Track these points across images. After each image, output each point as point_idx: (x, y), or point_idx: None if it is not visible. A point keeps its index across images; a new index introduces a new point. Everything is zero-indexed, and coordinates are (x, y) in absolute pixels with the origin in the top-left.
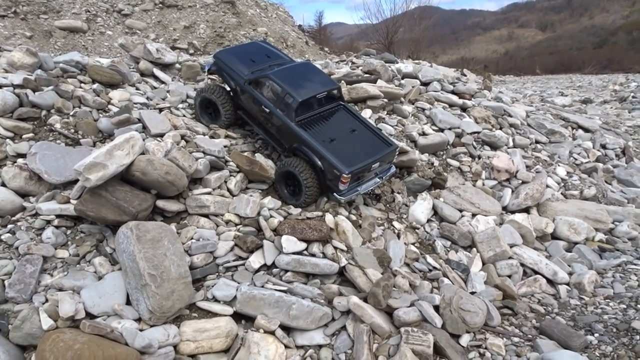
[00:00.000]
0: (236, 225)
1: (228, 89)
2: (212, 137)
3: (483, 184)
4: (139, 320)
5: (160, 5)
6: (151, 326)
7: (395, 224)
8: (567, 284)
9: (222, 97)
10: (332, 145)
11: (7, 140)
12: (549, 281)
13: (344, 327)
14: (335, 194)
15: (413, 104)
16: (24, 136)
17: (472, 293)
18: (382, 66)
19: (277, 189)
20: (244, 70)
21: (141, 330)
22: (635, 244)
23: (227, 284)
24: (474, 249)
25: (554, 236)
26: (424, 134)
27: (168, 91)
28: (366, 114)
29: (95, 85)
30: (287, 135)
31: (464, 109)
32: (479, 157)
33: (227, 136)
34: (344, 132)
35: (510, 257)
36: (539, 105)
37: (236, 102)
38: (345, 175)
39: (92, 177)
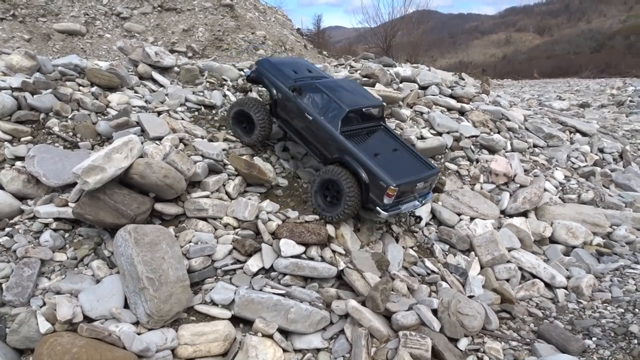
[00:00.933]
0: (234, 228)
1: (263, 100)
2: (210, 140)
3: (481, 188)
4: (136, 323)
5: (159, 8)
6: (149, 330)
7: (394, 227)
8: (565, 288)
9: (258, 110)
10: (377, 159)
11: (5, 143)
12: (547, 285)
13: (342, 331)
14: (377, 208)
15: (411, 107)
16: (22, 139)
17: (471, 297)
18: (381, 70)
19: (312, 199)
20: (287, 79)
21: (139, 333)
22: (633, 248)
23: (225, 287)
24: (472, 253)
25: (552, 240)
26: (422, 137)
27: (167, 94)
28: None
29: (93, 89)
30: (331, 144)
31: (462, 112)
32: (477, 160)
33: (225, 139)
34: (386, 150)
35: (508, 261)
36: (537, 109)
37: (275, 112)
38: (392, 188)
39: (90, 180)
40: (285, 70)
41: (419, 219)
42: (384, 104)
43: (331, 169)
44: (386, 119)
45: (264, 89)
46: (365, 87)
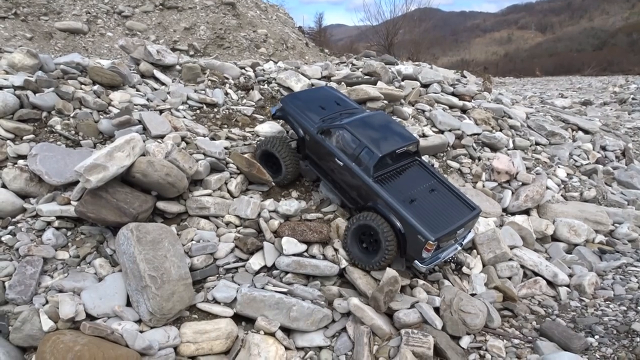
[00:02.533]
0: (236, 226)
1: (290, 141)
2: (212, 138)
3: (483, 186)
4: (139, 321)
5: (161, 6)
6: (151, 328)
7: None
8: (568, 286)
9: (284, 151)
10: (413, 207)
11: (8, 141)
12: (549, 283)
13: (344, 329)
14: (416, 261)
15: (413, 105)
16: (24, 137)
17: (473, 295)
18: (382, 68)
19: (347, 247)
20: (315, 118)
21: (141, 331)
22: (635, 246)
23: (228, 285)
24: (474, 251)
25: (554, 238)
26: (424, 135)
27: (168, 93)
28: None
29: (95, 87)
30: (363, 192)
31: (464, 110)
32: (479, 158)
33: (227, 137)
34: (423, 192)
35: (510, 259)
36: (539, 107)
37: (303, 152)
38: (431, 242)
39: (92, 178)
40: (312, 107)
41: (459, 265)
42: (419, 139)
43: (367, 214)
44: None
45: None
46: (397, 121)
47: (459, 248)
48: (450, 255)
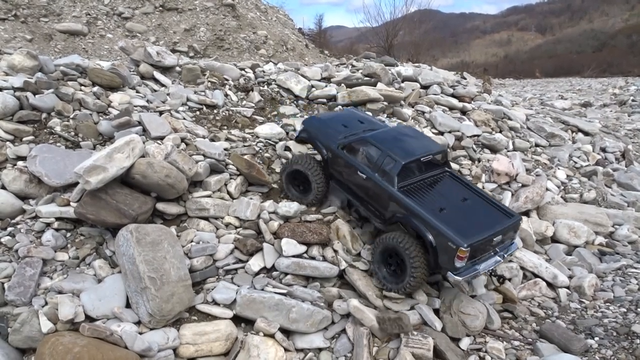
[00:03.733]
0: (236, 228)
1: (319, 158)
2: (212, 140)
3: (483, 187)
4: (138, 323)
5: (161, 8)
6: (151, 329)
7: None
8: (567, 288)
9: (314, 168)
10: (443, 215)
11: (8, 143)
12: (549, 284)
13: (343, 330)
14: (450, 272)
15: (413, 107)
16: (24, 139)
17: (473, 296)
18: (382, 69)
19: (374, 270)
20: (337, 135)
21: (141, 333)
22: (635, 248)
23: (227, 287)
24: None
25: (554, 239)
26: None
27: (168, 94)
28: None
29: (95, 88)
30: (389, 203)
31: (463, 112)
32: (479, 160)
33: (227, 139)
34: (454, 201)
35: (510, 261)
36: (539, 108)
37: (328, 172)
38: (463, 249)
39: (92, 179)
40: (334, 126)
41: (501, 279)
42: (448, 147)
43: (391, 235)
44: (384, 116)
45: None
46: (423, 133)
47: (500, 260)
48: (490, 268)
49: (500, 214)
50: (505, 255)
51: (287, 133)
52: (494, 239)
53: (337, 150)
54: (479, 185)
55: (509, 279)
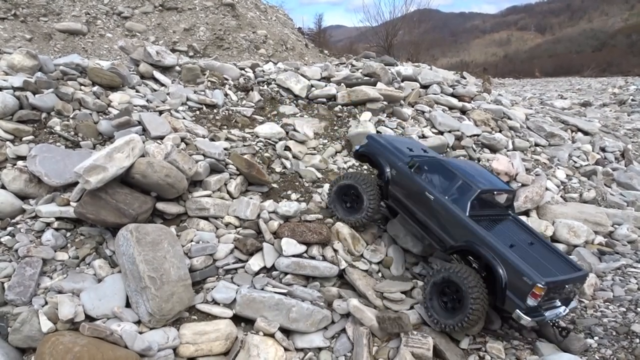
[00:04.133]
0: (236, 227)
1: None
2: (212, 139)
3: None
4: (138, 322)
5: (160, 7)
6: (151, 329)
7: None
8: None
9: (369, 185)
10: (514, 250)
11: (7, 142)
12: None
13: (343, 330)
14: (517, 310)
15: (413, 106)
16: (24, 139)
17: None
18: (382, 69)
19: (426, 303)
20: (403, 155)
21: (141, 332)
22: (634, 247)
23: (227, 286)
24: None
25: (554, 239)
26: (423, 136)
27: (168, 94)
28: (366, 116)
29: (95, 88)
30: (456, 229)
31: (463, 111)
32: (479, 159)
33: (227, 139)
34: (521, 242)
35: None
36: (539, 108)
37: (386, 192)
38: (540, 287)
39: (92, 179)
40: (400, 146)
41: (566, 331)
42: (515, 190)
43: (450, 267)
44: (383, 115)
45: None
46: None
47: (566, 311)
48: (555, 317)
49: (568, 265)
50: (567, 309)
51: (287, 132)
52: (566, 286)
53: (404, 167)
54: None
55: (569, 330)
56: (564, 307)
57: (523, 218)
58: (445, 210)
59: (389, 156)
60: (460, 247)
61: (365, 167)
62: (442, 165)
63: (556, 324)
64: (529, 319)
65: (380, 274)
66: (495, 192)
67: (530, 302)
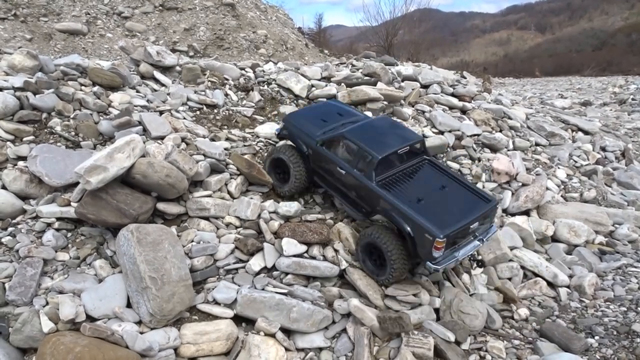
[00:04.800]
0: (236, 228)
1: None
2: (212, 139)
3: (483, 187)
4: (139, 323)
5: (160, 7)
6: (152, 329)
7: None
8: (568, 287)
9: (295, 159)
10: (420, 206)
11: (8, 142)
12: (550, 284)
13: (344, 330)
14: (428, 262)
15: (413, 106)
16: (24, 139)
17: (472, 295)
18: (382, 69)
19: (360, 264)
20: (316, 132)
21: (142, 333)
22: (635, 247)
23: (228, 286)
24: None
25: (554, 239)
26: (424, 136)
27: (168, 94)
28: None
29: (95, 88)
30: (367, 198)
31: (463, 111)
32: (479, 159)
33: (227, 139)
34: (432, 190)
35: (510, 260)
36: (539, 107)
37: (310, 167)
38: (439, 240)
39: (92, 179)
40: (313, 121)
41: (480, 263)
42: (424, 137)
43: (369, 231)
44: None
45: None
46: (400, 123)
47: (480, 245)
48: (469, 253)
49: (478, 200)
50: (485, 239)
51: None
52: (471, 226)
53: (316, 147)
54: (479, 185)
55: (482, 263)
56: (478, 242)
57: (524, 218)
58: (356, 182)
59: (303, 137)
60: (375, 213)
61: None
62: (346, 139)
63: (472, 258)
64: (439, 267)
65: None
66: (399, 151)
67: (436, 254)
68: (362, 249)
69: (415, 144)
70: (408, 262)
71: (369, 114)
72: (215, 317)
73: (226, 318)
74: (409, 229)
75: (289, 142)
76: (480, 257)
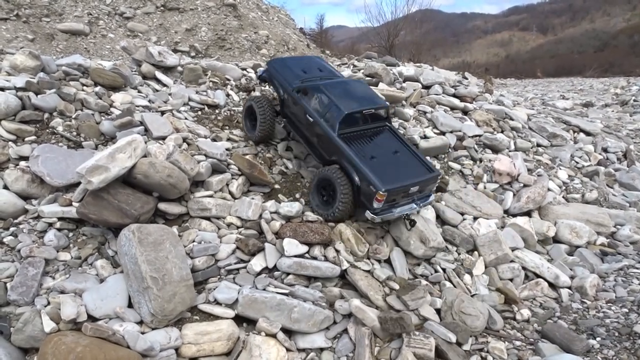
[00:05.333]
0: (238, 228)
1: (274, 100)
2: (214, 139)
3: (485, 187)
4: (140, 323)
5: (162, 8)
6: (153, 329)
7: None
8: (569, 288)
9: (262, 107)
10: (371, 162)
11: (10, 143)
12: (551, 285)
13: (345, 330)
14: (368, 211)
15: (414, 107)
16: (26, 139)
17: (473, 295)
18: (384, 69)
19: (310, 199)
20: (295, 79)
21: (143, 333)
22: (637, 248)
23: (229, 286)
24: (476, 252)
25: (556, 240)
26: (425, 137)
27: (170, 94)
28: None
29: (97, 88)
30: (328, 146)
31: (465, 112)
32: (481, 160)
33: (229, 139)
34: (385, 152)
35: (512, 261)
36: (541, 108)
37: (282, 111)
38: (381, 193)
39: (94, 179)
40: (295, 70)
41: (412, 222)
42: (389, 104)
43: (328, 169)
44: (392, 119)
45: (268, 87)
46: (372, 88)
47: (416, 207)
48: (404, 212)
49: (423, 168)
50: (421, 205)
51: (289, 133)
52: (412, 189)
53: (292, 92)
54: (481, 186)
55: (414, 222)
56: (415, 204)
57: (525, 219)
58: (321, 131)
59: (282, 81)
60: (331, 161)
61: None
62: (321, 90)
63: (406, 217)
64: (377, 217)
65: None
66: (364, 111)
67: (376, 205)
68: (316, 184)
69: (380, 108)
70: (352, 205)
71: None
72: (217, 317)
73: (227, 318)
74: (357, 178)
75: (263, 93)
76: (413, 219)
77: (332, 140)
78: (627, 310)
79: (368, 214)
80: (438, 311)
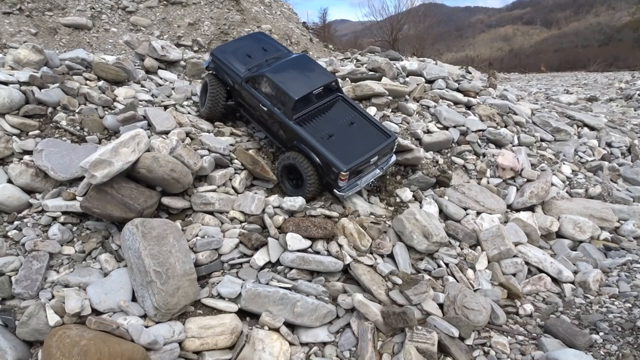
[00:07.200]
0: (241, 222)
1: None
2: (217, 134)
3: (488, 182)
4: (144, 316)
5: (165, 2)
6: (157, 323)
7: None
8: (572, 283)
9: (212, 85)
10: (330, 142)
11: (14, 137)
12: (554, 280)
13: (348, 325)
14: (335, 190)
15: (418, 101)
16: (30, 133)
17: (476, 290)
18: (387, 64)
19: (279, 182)
20: (241, 68)
21: (147, 326)
22: None
23: (232, 281)
24: (479, 247)
25: (559, 235)
26: (428, 131)
27: (173, 88)
28: (371, 111)
29: (100, 83)
30: (286, 132)
31: (468, 106)
32: (484, 155)
33: (232, 134)
34: (342, 126)
35: (515, 256)
36: (544, 103)
37: (236, 100)
38: (343, 173)
39: (97, 174)
40: (239, 57)
41: (377, 189)
42: (336, 77)
43: (289, 155)
44: (388, 110)
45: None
46: (317, 62)
47: (379, 173)
48: (369, 181)
49: (380, 135)
50: (384, 168)
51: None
52: (372, 159)
53: (241, 84)
54: (484, 181)
55: (379, 188)
56: (378, 170)
57: (528, 214)
58: (277, 118)
59: (229, 72)
60: (292, 147)
61: None
62: (268, 78)
63: (371, 185)
64: (345, 194)
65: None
66: (314, 91)
67: (341, 184)
68: (282, 170)
69: (329, 84)
70: (320, 184)
71: (373, 109)
72: (220, 311)
73: (230, 312)
74: (319, 161)
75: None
76: (378, 184)
77: (289, 127)
78: (630, 305)
79: (336, 193)
80: (441, 306)
